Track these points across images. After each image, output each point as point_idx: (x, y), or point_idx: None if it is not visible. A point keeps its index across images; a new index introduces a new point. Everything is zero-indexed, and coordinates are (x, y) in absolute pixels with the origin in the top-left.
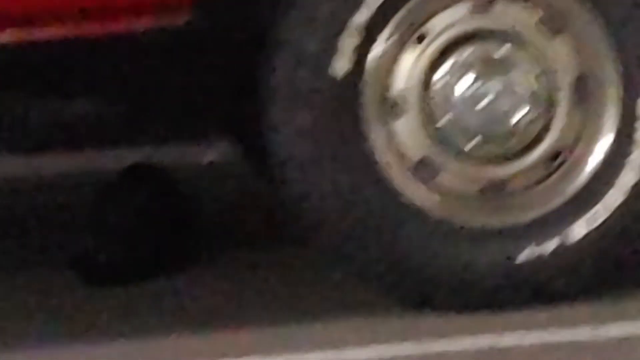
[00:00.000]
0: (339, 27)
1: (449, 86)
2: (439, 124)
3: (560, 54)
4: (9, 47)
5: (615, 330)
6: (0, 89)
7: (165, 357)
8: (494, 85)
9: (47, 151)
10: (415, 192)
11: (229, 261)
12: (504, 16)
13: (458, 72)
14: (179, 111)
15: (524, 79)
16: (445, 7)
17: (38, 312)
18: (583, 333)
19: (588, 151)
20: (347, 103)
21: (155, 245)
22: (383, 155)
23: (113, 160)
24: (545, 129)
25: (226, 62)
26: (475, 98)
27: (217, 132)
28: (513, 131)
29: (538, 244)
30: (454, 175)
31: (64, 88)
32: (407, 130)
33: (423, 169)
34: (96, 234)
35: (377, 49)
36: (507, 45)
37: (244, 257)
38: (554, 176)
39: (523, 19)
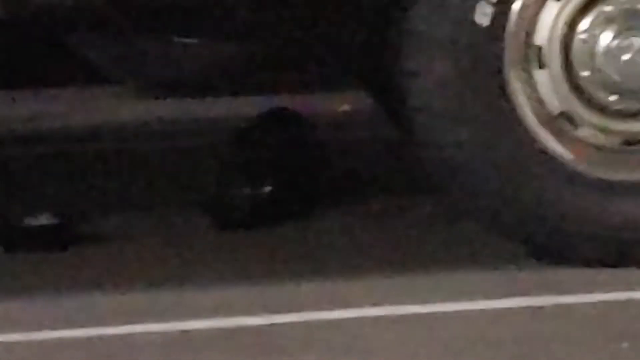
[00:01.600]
0: None
1: (592, 39)
2: (581, 77)
3: None
4: None
5: None
6: (134, 31)
7: (295, 304)
8: (636, 40)
9: (187, 96)
10: (555, 144)
11: (360, 209)
12: None
13: (601, 26)
14: (315, 59)
15: None
16: None
17: (171, 255)
18: None
19: None
20: (489, 52)
21: (289, 190)
22: (524, 106)
23: (250, 106)
24: None
25: (363, 10)
26: (617, 52)
27: (352, 81)
28: None
29: None
30: (595, 128)
31: (199, 33)
32: (548, 82)
33: (564, 121)
34: (231, 177)
35: None
36: None
37: (375, 206)
38: None
39: None
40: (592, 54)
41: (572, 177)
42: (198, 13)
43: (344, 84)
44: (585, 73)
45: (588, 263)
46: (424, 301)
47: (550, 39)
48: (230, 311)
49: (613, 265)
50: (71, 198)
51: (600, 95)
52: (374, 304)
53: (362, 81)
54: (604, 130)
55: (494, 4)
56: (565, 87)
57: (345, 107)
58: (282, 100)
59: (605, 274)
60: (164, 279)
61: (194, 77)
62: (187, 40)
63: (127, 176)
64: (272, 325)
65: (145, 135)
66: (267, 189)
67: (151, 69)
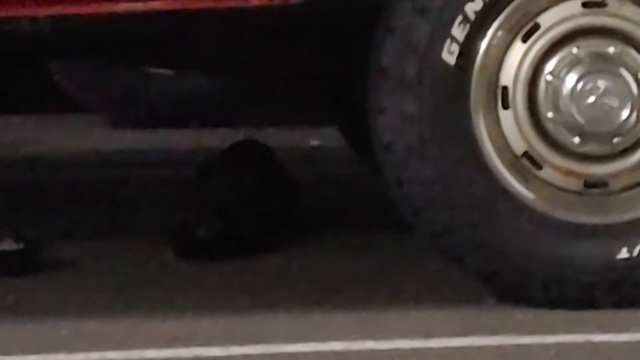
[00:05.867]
0: (452, 15)
1: (557, 81)
2: (545, 118)
3: None
4: (121, 19)
5: None
6: (111, 61)
7: (256, 336)
8: (602, 82)
9: (156, 127)
10: (518, 184)
11: (326, 244)
12: (615, 14)
13: (567, 67)
14: (286, 94)
15: (631, 78)
16: (557, 2)
17: (135, 285)
18: None
19: None
20: (455, 91)
21: (255, 223)
22: (487, 145)
23: (220, 138)
24: None
25: (334, 47)
26: (582, 94)
27: (322, 116)
28: (618, 129)
29: (637, 244)
30: (558, 170)
31: (174, 64)
32: (513, 122)
33: (527, 162)
34: (198, 209)
35: (488, 39)
36: (617, 43)
37: (342, 241)
38: None
39: (634, 18)
40: (557, 96)
41: (534, 218)
42: (170, 45)
43: (313, 119)
44: (550, 114)
45: (549, 304)
46: (383, 337)
47: (515, 80)
48: (189, 341)
49: (574, 307)
50: (35, 224)
51: (564, 137)
52: (335, 339)
53: (332, 117)
54: (566, 172)
55: (460, 43)
56: (529, 128)
57: (314, 142)
58: (252, 133)
59: (565, 315)
60: (124, 307)
61: (165, 107)
62: (160, 72)
63: (93, 204)
64: (229, 357)
65: (112, 164)
66: (233, 220)
67: (121, 99)
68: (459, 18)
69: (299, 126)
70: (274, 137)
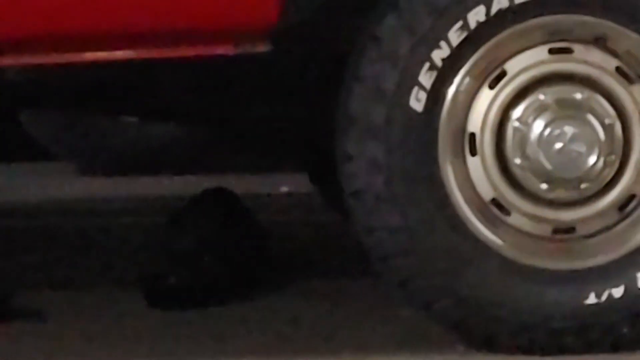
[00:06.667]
0: (419, 63)
1: (524, 127)
2: (513, 164)
3: (636, 101)
4: (90, 68)
5: None
6: (81, 108)
7: None
8: (569, 128)
9: (125, 174)
10: (486, 231)
11: (297, 291)
12: (582, 61)
13: (534, 114)
14: (256, 141)
15: (598, 123)
16: (524, 48)
17: (105, 334)
18: None
19: None
20: (423, 138)
21: (224, 271)
22: (456, 192)
23: (189, 186)
24: (618, 175)
25: (303, 94)
26: (550, 140)
27: (292, 163)
28: (586, 175)
29: (605, 289)
30: (526, 216)
31: (140, 113)
32: (480, 168)
33: (494, 208)
34: (167, 257)
35: (455, 86)
36: (584, 90)
37: (312, 288)
38: (625, 222)
39: (601, 64)
40: (524, 142)
41: (503, 264)
42: (137, 93)
43: (282, 166)
44: (518, 161)
45: (518, 350)
46: None
47: (483, 126)
48: None
49: (543, 353)
50: (4, 273)
51: (532, 183)
52: None
53: (301, 163)
54: (535, 218)
55: (428, 90)
56: (497, 175)
57: (284, 188)
58: (221, 181)
59: None
60: (95, 356)
61: (133, 155)
62: (128, 119)
63: (62, 252)
64: None
65: (81, 211)
66: (203, 268)
67: (90, 147)
68: (426, 65)
69: (269, 173)
70: (244, 183)
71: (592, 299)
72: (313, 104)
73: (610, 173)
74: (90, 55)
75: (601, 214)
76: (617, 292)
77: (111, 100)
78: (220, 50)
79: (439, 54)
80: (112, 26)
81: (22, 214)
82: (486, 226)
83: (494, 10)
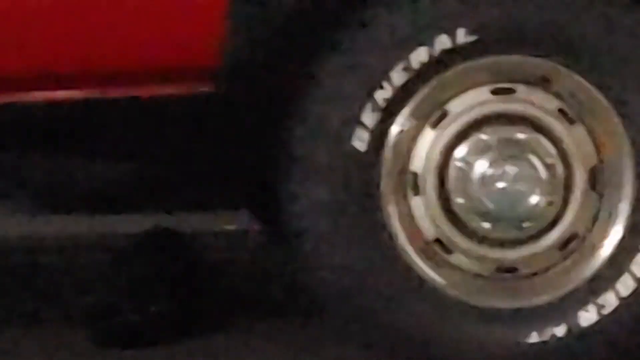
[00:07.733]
0: (362, 103)
1: (467, 167)
2: (456, 204)
3: (578, 141)
4: (32, 107)
5: None
6: (22, 149)
7: None
8: (511, 168)
9: (68, 213)
10: (429, 270)
11: (244, 330)
12: (524, 101)
13: (476, 153)
14: (200, 178)
15: (540, 164)
16: (466, 89)
17: None
18: None
19: (602, 237)
20: (365, 178)
21: (170, 310)
22: (399, 232)
23: (132, 224)
24: (560, 214)
25: (248, 133)
26: (492, 180)
27: (237, 201)
28: (528, 215)
29: (548, 328)
30: (468, 255)
31: (86, 151)
32: (423, 208)
33: (437, 248)
34: (112, 296)
35: (398, 126)
36: (526, 130)
37: (259, 326)
38: (567, 261)
39: (543, 105)
40: (467, 182)
41: (445, 303)
42: (71, 130)
43: (228, 204)
44: (460, 200)
45: None
46: None
47: (426, 166)
48: None
49: None
50: None
51: (475, 223)
52: None
53: (246, 201)
54: (477, 258)
55: (371, 130)
56: (440, 214)
57: (230, 227)
58: (166, 219)
59: None
60: None
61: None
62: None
63: (8, 291)
64: None
65: (23, 250)
66: (147, 308)
67: (39, 185)
68: (369, 106)
69: (214, 210)
70: (189, 221)
71: (534, 338)
72: (257, 143)
73: (552, 212)
74: (38, 95)
75: (543, 253)
76: (560, 331)
77: (56, 140)
78: (164, 90)
79: (382, 95)
80: (59, 67)
81: None
82: (429, 265)
83: (436, 50)
